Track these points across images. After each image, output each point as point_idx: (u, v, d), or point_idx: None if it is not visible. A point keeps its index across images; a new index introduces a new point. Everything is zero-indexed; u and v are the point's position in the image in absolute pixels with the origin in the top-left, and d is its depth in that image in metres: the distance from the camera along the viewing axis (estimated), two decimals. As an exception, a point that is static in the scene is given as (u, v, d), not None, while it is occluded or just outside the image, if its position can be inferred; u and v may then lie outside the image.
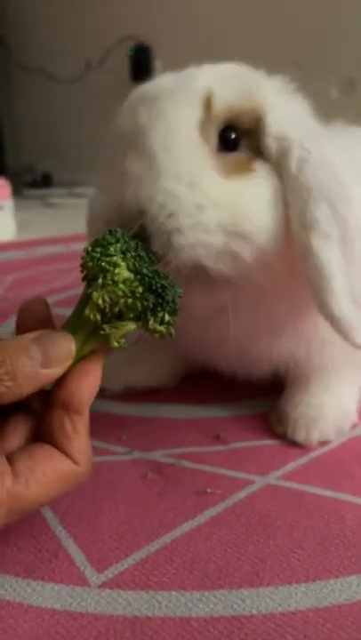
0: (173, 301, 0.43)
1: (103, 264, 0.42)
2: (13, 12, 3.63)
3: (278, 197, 0.52)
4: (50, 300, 0.47)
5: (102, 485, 0.57)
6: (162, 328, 0.43)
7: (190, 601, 0.43)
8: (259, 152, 0.53)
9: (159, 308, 0.42)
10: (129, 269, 0.42)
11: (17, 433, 0.45)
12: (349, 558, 0.47)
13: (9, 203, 2.10)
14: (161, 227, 0.47)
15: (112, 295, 0.42)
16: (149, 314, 0.42)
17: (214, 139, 0.52)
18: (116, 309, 0.43)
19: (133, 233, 0.46)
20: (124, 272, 0.42)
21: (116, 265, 0.42)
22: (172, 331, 0.44)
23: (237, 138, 0.53)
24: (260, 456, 0.62)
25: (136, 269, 0.43)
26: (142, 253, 0.44)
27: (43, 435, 0.44)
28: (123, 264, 0.42)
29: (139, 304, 0.42)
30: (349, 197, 0.52)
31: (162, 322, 0.43)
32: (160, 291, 0.43)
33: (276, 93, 0.56)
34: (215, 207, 0.48)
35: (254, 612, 0.42)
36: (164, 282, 0.43)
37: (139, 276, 0.42)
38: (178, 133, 0.49)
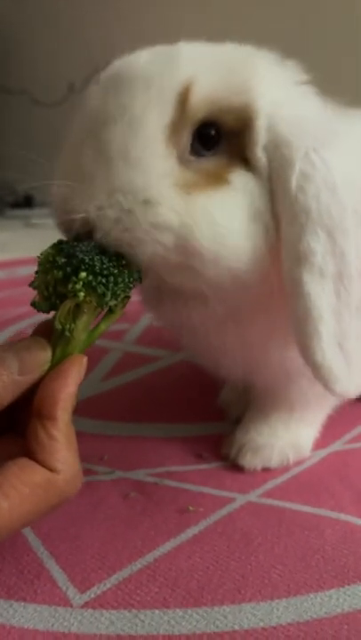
0: (92, 260, 0.42)
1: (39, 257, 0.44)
2: (-4, 37, 3.68)
3: (257, 213, 0.46)
4: (31, 321, 0.47)
5: (84, 505, 0.57)
6: (79, 287, 0.42)
7: (173, 619, 0.43)
8: (242, 158, 0.47)
9: (84, 274, 0.42)
10: (51, 249, 0.44)
11: (3, 453, 0.43)
12: (329, 572, 0.48)
13: (-10, 223, 2.11)
14: (116, 240, 0.44)
15: (43, 277, 0.44)
16: (78, 283, 0.42)
17: (187, 139, 0.46)
18: (57, 290, 0.43)
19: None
20: (46, 251, 0.44)
21: (44, 252, 0.44)
22: (110, 301, 0.43)
23: (218, 136, 0.46)
24: (242, 474, 0.62)
25: (57, 246, 0.44)
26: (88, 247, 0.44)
27: (23, 449, 0.42)
28: (51, 250, 0.44)
29: (57, 272, 0.42)
30: (349, 227, 0.46)
31: (89, 286, 0.42)
32: (71, 251, 0.42)
33: (281, 87, 0.49)
34: (171, 229, 0.44)
35: (236, 627, 0.42)
36: (80, 246, 0.43)
37: (57, 249, 0.43)
38: (141, 136, 0.44)
